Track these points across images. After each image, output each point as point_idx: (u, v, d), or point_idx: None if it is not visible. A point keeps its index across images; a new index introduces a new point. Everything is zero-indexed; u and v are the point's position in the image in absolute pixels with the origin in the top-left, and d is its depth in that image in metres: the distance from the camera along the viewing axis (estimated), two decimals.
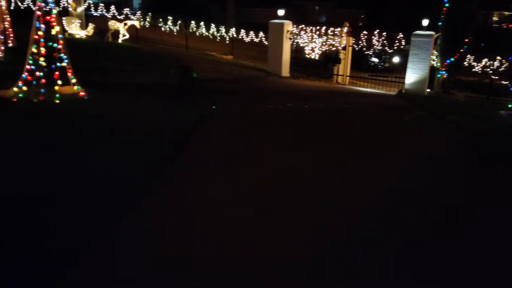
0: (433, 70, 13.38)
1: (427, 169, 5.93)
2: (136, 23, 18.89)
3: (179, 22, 19.24)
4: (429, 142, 7.44)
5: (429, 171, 5.84)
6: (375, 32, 14.30)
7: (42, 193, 4.43)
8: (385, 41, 14.05)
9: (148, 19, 19.92)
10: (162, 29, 19.60)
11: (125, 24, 18.53)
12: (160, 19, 19.73)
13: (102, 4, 20.98)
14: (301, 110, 9.54)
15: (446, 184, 5.42)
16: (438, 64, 13.40)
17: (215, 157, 5.90)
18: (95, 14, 20.70)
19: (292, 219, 4.26)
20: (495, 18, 39.23)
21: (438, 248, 3.86)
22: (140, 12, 20.77)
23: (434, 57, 13.30)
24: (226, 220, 4.13)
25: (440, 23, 13.32)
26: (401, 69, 13.18)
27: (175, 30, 19.33)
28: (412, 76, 13.06)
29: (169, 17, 19.44)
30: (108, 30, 18.65)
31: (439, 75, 13.49)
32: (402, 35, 13.75)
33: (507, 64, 10.32)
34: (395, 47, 13.77)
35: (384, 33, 14.20)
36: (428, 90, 13.25)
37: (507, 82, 10.31)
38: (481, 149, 7.27)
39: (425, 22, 13.10)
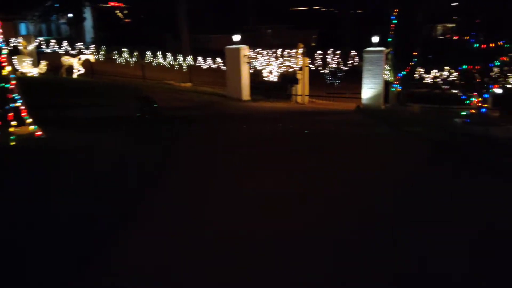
0: (387, 84, 13.87)
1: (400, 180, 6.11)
2: (90, 57, 18.66)
3: (135, 53, 19.10)
4: (397, 155, 7.72)
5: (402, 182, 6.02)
6: (329, 51, 14.69)
7: None
8: (339, 59, 14.46)
9: (102, 52, 19.65)
10: (118, 61, 19.36)
11: (79, 58, 18.28)
12: (115, 52, 19.51)
13: (54, 40, 20.51)
14: (267, 131, 9.63)
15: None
16: (391, 78, 13.91)
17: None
18: (47, 50, 20.25)
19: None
20: (439, 30, 41.32)
21: None
22: (93, 46, 20.46)
23: (386, 72, 13.81)
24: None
25: (389, 39, 13.91)
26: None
27: (131, 62, 19.14)
28: (368, 91, 13.49)
29: (123, 49, 19.27)
30: (61, 66, 18.30)
31: (393, 89, 14.00)
32: (355, 53, 14.20)
33: (458, 73, 10.87)
34: (350, 64, 14.21)
35: (338, 52, 14.63)
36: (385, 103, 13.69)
37: (457, 91, 10.83)
38: (448, 157, 7.65)
39: (375, 39, 13.64)
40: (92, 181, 5.98)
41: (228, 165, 6.87)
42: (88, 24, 35.53)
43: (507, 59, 9.85)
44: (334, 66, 14.53)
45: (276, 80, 15.44)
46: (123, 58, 19.19)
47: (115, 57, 19.44)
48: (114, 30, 35.96)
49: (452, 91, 12.11)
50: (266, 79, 15.51)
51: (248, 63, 15.16)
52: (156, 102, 10.74)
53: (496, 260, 3.95)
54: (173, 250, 4.08)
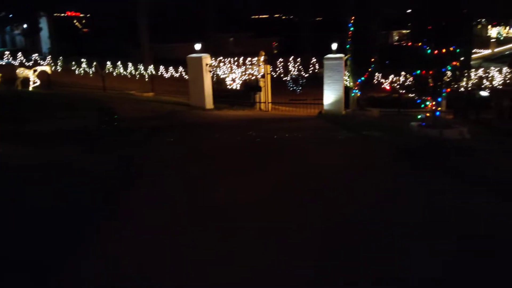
0: (347, 89, 14.21)
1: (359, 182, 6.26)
2: (47, 69, 18.15)
3: (94, 63, 18.70)
4: (358, 158, 7.87)
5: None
6: (291, 59, 14.88)
7: None
8: (300, 66, 14.67)
9: (60, 63, 19.15)
10: (77, 72, 18.91)
11: (35, 70, 17.72)
12: (73, 62, 19.05)
13: (8, 52, 19.83)
14: (234, 139, 9.63)
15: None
16: (351, 83, 14.27)
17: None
18: (0, 63, 19.54)
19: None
20: (395, 37, 42.69)
21: None
22: (50, 56, 19.90)
23: (346, 78, 14.14)
24: None
25: (348, 46, 14.28)
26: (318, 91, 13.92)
27: (90, 72, 18.73)
28: (329, 97, 13.76)
29: (82, 59, 18.84)
30: (16, 78, 17.67)
31: (353, 94, 14.36)
32: (315, 60, 14.46)
33: (412, 78, 11.26)
34: (310, 71, 14.44)
35: (299, 59, 14.85)
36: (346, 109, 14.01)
37: (413, 95, 11.21)
38: (405, 159, 7.95)
39: (334, 46, 13.97)
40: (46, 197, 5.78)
41: (199, 173, 6.81)
42: (45, 34, 34.42)
43: (458, 63, 10.28)
44: (295, 73, 14.73)
45: (239, 88, 15.49)
46: (82, 68, 18.77)
47: (73, 67, 18.99)
48: (72, 40, 35.06)
49: (408, 95, 12.55)
50: (229, 87, 15.54)
51: (211, 71, 15.16)
52: (116, 113, 10.53)
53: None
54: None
